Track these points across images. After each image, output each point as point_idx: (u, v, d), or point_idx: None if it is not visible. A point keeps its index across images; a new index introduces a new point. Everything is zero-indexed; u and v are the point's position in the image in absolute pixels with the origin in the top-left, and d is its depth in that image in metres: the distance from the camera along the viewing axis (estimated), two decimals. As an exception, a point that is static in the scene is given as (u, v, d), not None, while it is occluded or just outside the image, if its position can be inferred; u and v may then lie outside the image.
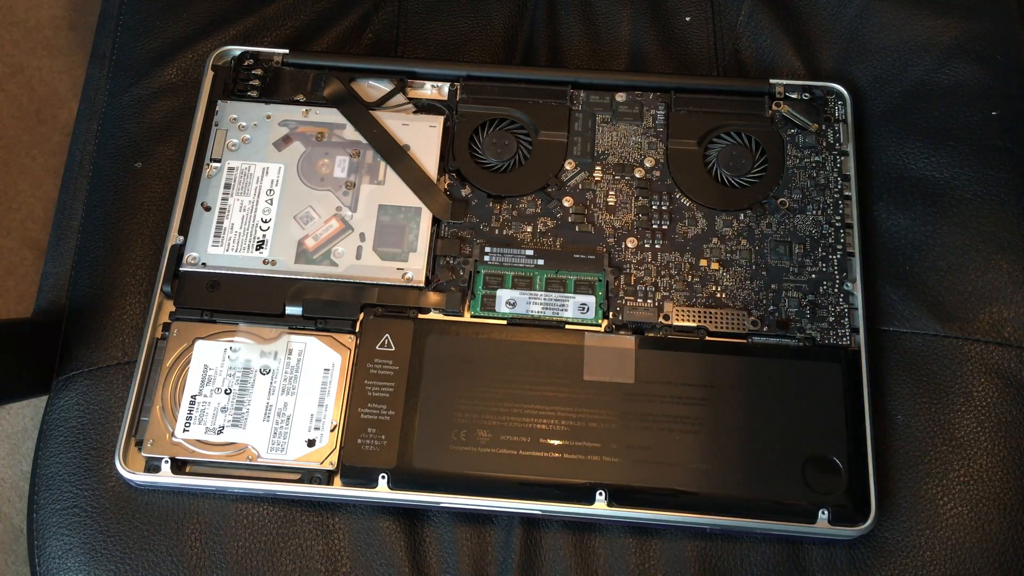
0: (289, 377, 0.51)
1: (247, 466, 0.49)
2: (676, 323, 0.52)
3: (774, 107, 0.57)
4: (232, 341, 0.52)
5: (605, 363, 0.51)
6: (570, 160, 0.56)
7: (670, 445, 0.49)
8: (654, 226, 0.54)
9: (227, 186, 0.55)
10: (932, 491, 0.50)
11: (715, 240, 0.54)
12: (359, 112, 0.57)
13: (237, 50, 0.59)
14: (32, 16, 0.98)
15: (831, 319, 0.52)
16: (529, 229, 0.55)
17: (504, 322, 0.52)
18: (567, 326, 0.52)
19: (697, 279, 0.53)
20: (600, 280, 0.53)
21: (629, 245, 0.54)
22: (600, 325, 0.52)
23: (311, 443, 0.50)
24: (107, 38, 0.63)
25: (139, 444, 0.50)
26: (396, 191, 0.55)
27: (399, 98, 0.58)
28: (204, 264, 0.53)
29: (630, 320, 0.52)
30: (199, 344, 0.51)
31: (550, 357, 0.51)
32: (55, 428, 0.53)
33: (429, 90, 0.58)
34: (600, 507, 0.48)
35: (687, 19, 0.62)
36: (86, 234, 0.58)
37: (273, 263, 0.53)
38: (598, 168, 0.56)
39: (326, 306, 0.52)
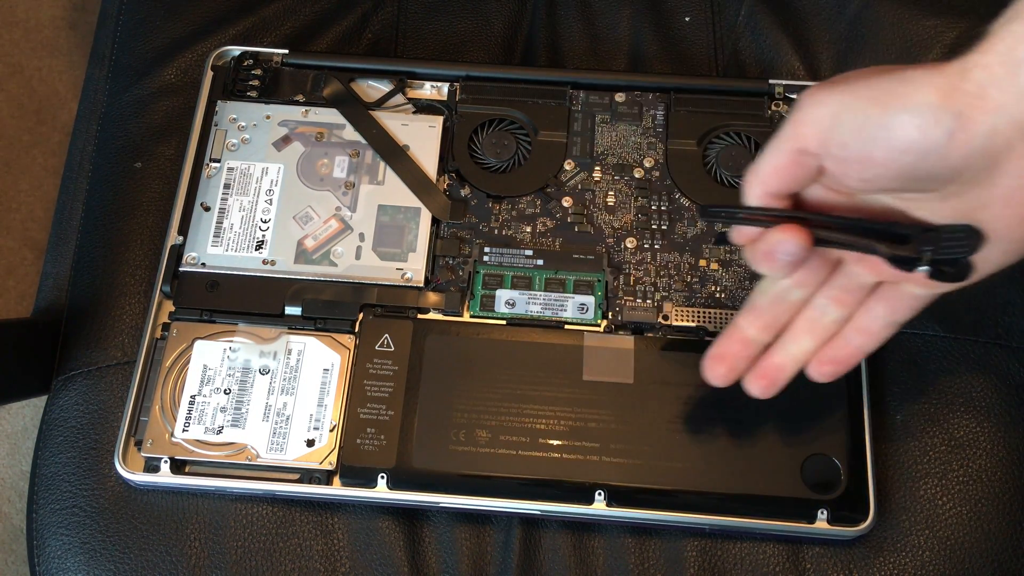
0: (288, 377, 0.51)
1: (246, 466, 0.49)
2: (675, 323, 0.52)
3: (774, 107, 0.57)
4: (231, 341, 0.52)
5: (604, 363, 0.51)
6: (569, 160, 0.56)
7: (669, 445, 0.49)
8: (653, 226, 0.54)
9: (227, 186, 0.55)
10: (931, 491, 0.50)
11: (714, 240, 0.54)
12: (358, 112, 0.57)
13: (237, 50, 0.59)
14: (32, 16, 0.98)
15: (830, 319, 0.52)
16: (528, 229, 0.55)
17: (503, 322, 0.52)
18: (566, 326, 0.52)
19: (696, 279, 0.53)
20: (599, 280, 0.53)
21: (628, 245, 0.54)
22: (599, 325, 0.52)
23: (310, 443, 0.50)
24: (107, 38, 0.63)
25: (138, 444, 0.50)
26: (395, 191, 0.55)
27: (398, 98, 0.58)
28: (203, 264, 0.53)
29: (629, 320, 0.52)
30: (198, 344, 0.51)
31: (549, 357, 0.51)
32: (55, 428, 0.53)
33: (428, 90, 0.58)
34: (599, 507, 0.48)
35: (687, 19, 0.62)
36: (86, 234, 0.58)
37: (272, 263, 0.53)
38: (597, 168, 0.56)
39: (325, 306, 0.52)
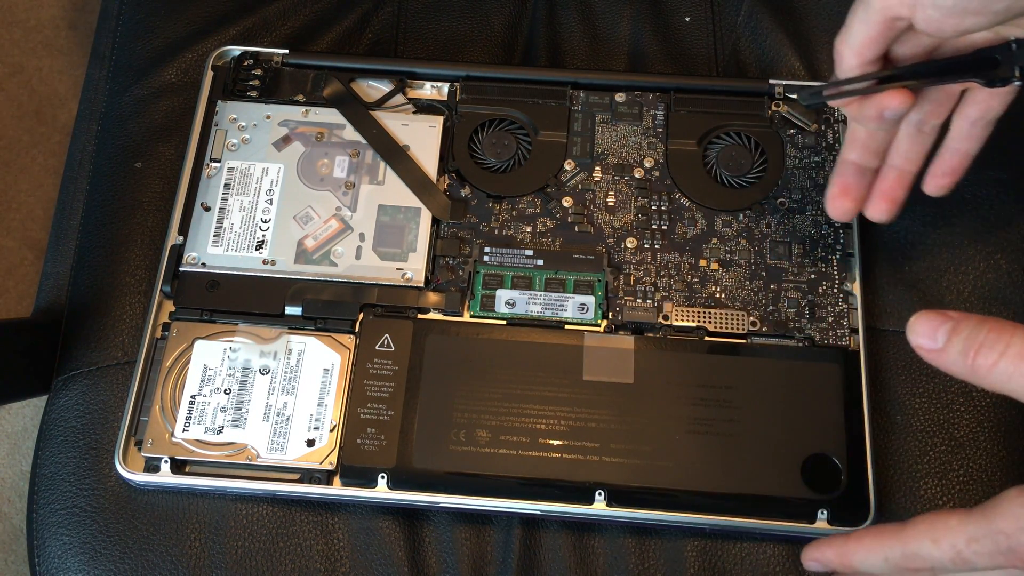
0: (289, 377, 0.51)
1: (247, 466, 0.49)
2: (675, 323, 0.52)
3: (774, 107, 0.57)
4: (232, 341, 0.52)
5: (604, 363, 0.51)
6: (570, 160, 0.56)
7: (670, 445, 0.49)
8: (653, 226, 0.54)
9: (227, 186, 0.55)
10: (931, 491, 0.50)
11: (714, 240, 0.54)
12: (359, 112, 0.57)
13: (237, 50, 0.59)
14: (32, 16, 0.98)
15: (830, 319, 0.52)
16: (529, 229, 0.55)
17: (503, 322, 0.52)
18: (566, 326, 0.52)
19: (696, 279, 0.53)
20: (599, 280, 0.53)
21: (628, 245, 0.54)
22: (599, 325, 0.52)
23: (310, 443, 0.50)
24: (107, 38, 0.63)
25: (139, 444, 0.50)
26: (396, 191, 0.55)
27: (399, 98, 0.58)
28: (204, 264, 0.53)
29: (629, 320, 0.52)
30: (199, 344, 0.51)
31: (549, 357, 0.51)
32: (55, 428, 0.53)
33: (429, 90, 0.58)
34: (599, 507, 0.48)
35: (687, 19, 0.62)
36: (86, 234, 0.58)
37: (273, 263, 0.53)
38: (597, 168, 0.56)
39: (326, 306, 0.52)
